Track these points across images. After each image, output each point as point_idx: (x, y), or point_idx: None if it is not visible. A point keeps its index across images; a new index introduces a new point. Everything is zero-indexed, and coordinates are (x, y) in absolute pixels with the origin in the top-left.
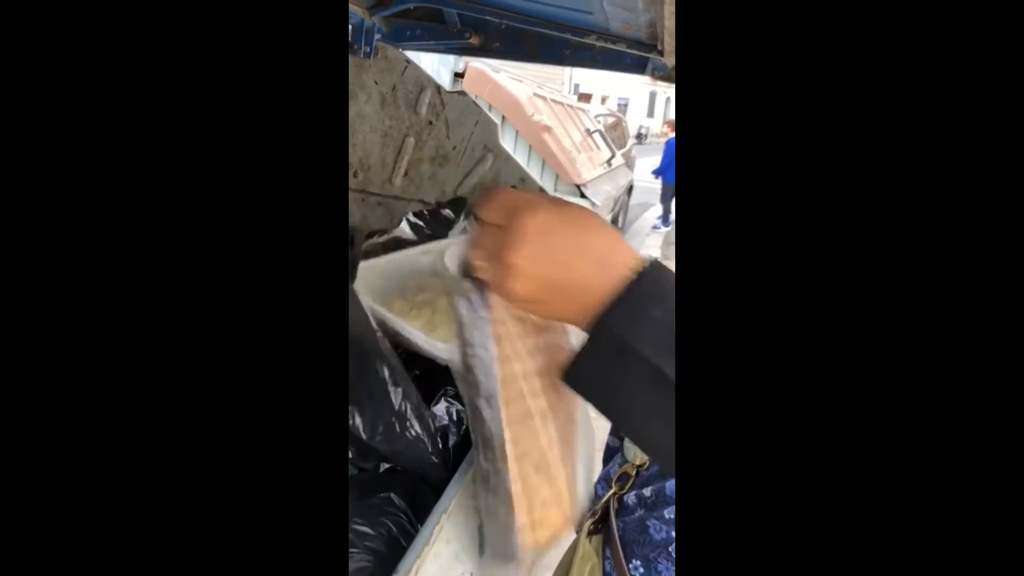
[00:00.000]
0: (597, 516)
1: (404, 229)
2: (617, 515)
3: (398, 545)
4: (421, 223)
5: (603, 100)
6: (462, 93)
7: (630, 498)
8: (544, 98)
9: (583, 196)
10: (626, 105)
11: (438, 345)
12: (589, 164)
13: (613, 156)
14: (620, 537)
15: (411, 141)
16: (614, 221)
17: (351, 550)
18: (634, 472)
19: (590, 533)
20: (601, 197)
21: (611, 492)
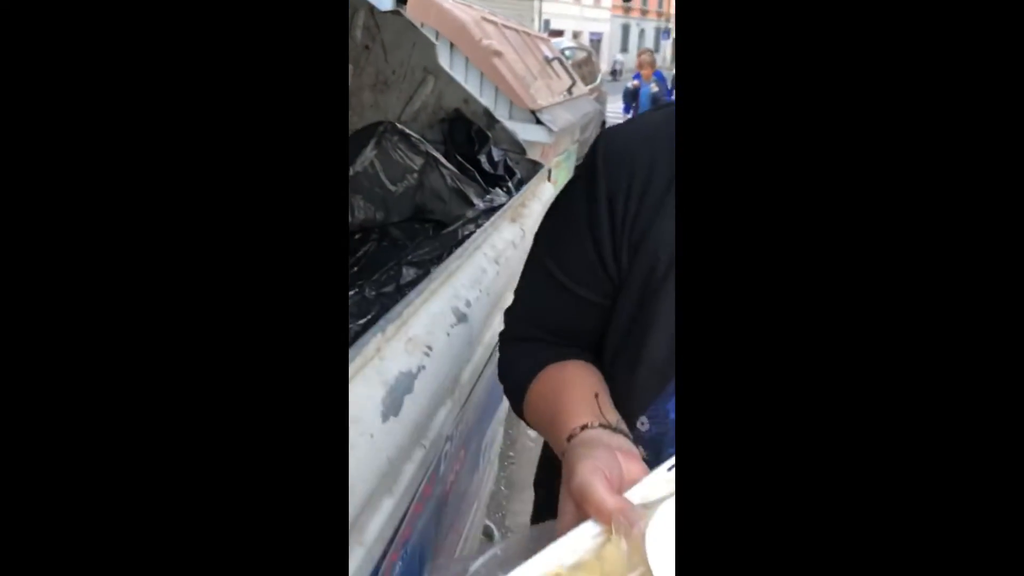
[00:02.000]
0: None
1: None
2: None
3: None
4: None
5: (575, 36)
6: (396, 13)
7: None
8: (495, 23)
9: (539, 122)
10: (599, 41)
11: None
12: (547, 91)
13: (574, 84)
14: None
15: (349, 68)
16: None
17: None
18: None
19: None
20: (560, 124)
21: None
